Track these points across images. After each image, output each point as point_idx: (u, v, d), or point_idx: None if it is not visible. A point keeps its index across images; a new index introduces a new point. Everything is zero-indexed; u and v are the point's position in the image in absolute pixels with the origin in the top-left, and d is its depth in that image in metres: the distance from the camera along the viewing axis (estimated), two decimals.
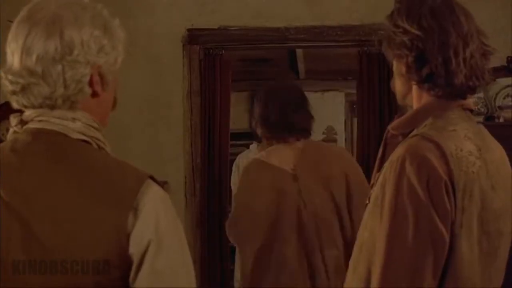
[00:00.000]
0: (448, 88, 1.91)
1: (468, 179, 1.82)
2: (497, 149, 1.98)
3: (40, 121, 1.62)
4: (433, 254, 1.76)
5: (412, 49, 1.90)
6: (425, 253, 1.76)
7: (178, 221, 1.63)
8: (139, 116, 5.27)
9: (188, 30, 5.26)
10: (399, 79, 2.01)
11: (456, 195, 1.79)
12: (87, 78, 1.62)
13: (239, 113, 8.44)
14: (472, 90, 1.94)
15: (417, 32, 1.89)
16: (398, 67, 1.98)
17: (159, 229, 1.55)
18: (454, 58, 1.88)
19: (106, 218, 1.52)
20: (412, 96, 1.99)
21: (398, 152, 1.84)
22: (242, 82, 8.33)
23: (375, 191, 1.91)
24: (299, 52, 7.32)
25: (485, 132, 1.98)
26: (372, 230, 1.89)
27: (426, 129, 1.88)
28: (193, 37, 5.27)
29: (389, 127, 2.01)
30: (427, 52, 1.89)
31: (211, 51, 5.34)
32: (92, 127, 1.65)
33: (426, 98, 1.95)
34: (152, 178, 1.61)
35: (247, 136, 7.97)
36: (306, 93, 3.77)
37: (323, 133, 9.28)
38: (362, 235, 1.95)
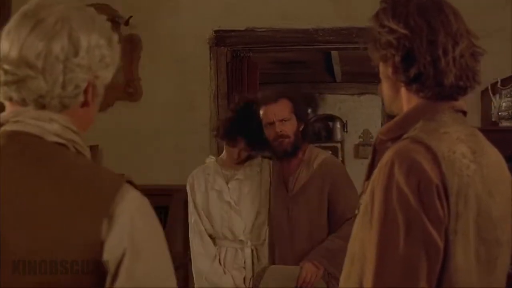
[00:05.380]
0: (437, 89, 1.82)
1: (462, 182, 1.72)
2: (493, 153, 1.87)
3: (16, 122, 1.57)
4: (427, 261, 1.67)
5: (398, 49, 1.81)
6: (418, 261, 1.66)
7: (158, 228, 1.57)
8: (165, 118, 5.25)
9: (215, 31, 5.22)
10: (386, 82, 1.92)
11: (449, 199, 1.70)
12: (84, 85, 1.59)
13: None
14: (463, 91, 1.85)
15: (404, 30, 1.81)
16: (385, 70, 1.89)
17: (136, 237, 1.49)
18: (443, 57, 1.79)
19: (79, 225, 1.47)
20: (400, 100, 1.89)
21: (386, 156, 1.75)
22: (276, 85, 8.26)
23: (365, 199, 1.81)
24: (334, 54, 7.23)
25: (480, 135, 1.88)
26: (363, 241, 1.80)
27: (416, 132, 1.79)
28: (220, 38, 5.22)
29: (378, 132, 1.91)
30: (414, 51, 1.80)
31: (238, 53, 5.28)
32: (70, 129, 1.59)
33: (415, 100, 1.86)
34: (130, 182, 1.56)
35: None
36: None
37: (360, 137, 9.14)
38: (353, 246, 1.85)
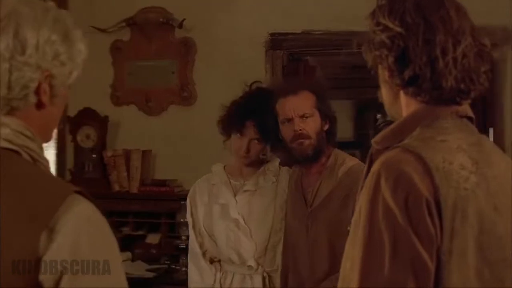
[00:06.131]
0: (435, 92, 1.64)
1: (459, 196, 1.54)
2: (501, 163, 1.68)
3: None
4: (415, 285, 1.49)
5: (392, 49, 1.65)
6: (405, 284, 1.49)
7: (110, 243, 1.44)
8: None
9: (271, 34, 5.08)
10: (384, 86, 1.76)
11: (442, 215, 1.52)
12: (34, 85, 1.48)
13: (342, 122, 8.20)
14: (466, 95, 1.66)
15: (398, 29, 1.64)
16: (382, 73, 1.72)
17: (79, 253, 1.36)
18: (442, 57, 1.61)
19: (20, 237, 1.36)
20: (399, 105, 1.73)
21: (374, 167, 1.59)
22: (346, 90, 8.07)
23: (355, 215, 1.64)
24: None
25: (487, 143, 1.69)
26: (353, 260, 1.63)
27: (409, 140, 1.62)
28: (275, 41, 5.08)
29: (373, 141, 1.73)
30: (409, 51, 1.63)
31: (294, 56, 5.13)
32: (23, 135, 1.48)
33: (414, 105, 1.69)
34: (81, 193, 1.43)
35: (351, 146, 7.71)
36: None
37: None
38: (344, 266, 1.69)
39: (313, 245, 3.06)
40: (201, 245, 3.31)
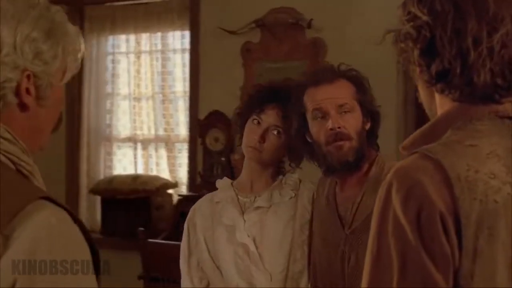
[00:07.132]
0: (467, 89, 1.41)
1: (485, 210, 1.32)
2: None
3: None
4: None
5: (418, 40, 1.44)
6: None
7: (75, 248, 1.33)
8: None
9: None
10: (418, 83, 1.55)
11: (462, 232, 1.31)
12: (13, 85, 1.41)
13: None
14: (505, 91, 1.42)
15: (425, 17, 1.42)
16: (415, 68, 1.51)
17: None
18: (474, 48, 1.38)
19: None
20: (435, 104, 1.51)
21: (388, 175, 1.39)
22: None
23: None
24: None
25: None
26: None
27: (433, 144, 1.40)
28: None
29: (400, 147, 1.52)
30: (437, 42, 1.42)
31: None
32: (2, 137, 1.40)
33: (448, 104, 1.47)
34: (48, 199, 1.34)
35: None
36: None
37: None
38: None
39: (352, 278, 2.32)
40: (200, 280, 2.60)
